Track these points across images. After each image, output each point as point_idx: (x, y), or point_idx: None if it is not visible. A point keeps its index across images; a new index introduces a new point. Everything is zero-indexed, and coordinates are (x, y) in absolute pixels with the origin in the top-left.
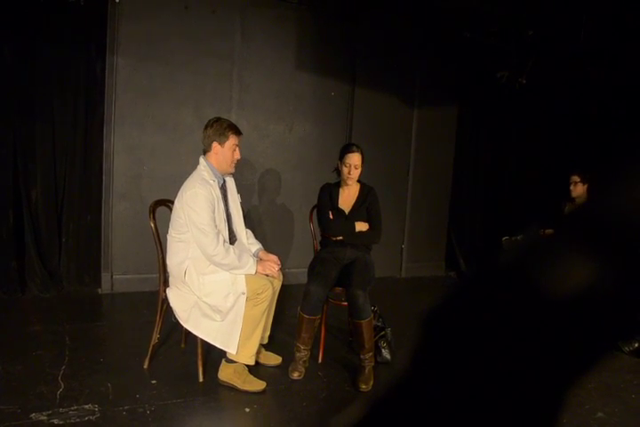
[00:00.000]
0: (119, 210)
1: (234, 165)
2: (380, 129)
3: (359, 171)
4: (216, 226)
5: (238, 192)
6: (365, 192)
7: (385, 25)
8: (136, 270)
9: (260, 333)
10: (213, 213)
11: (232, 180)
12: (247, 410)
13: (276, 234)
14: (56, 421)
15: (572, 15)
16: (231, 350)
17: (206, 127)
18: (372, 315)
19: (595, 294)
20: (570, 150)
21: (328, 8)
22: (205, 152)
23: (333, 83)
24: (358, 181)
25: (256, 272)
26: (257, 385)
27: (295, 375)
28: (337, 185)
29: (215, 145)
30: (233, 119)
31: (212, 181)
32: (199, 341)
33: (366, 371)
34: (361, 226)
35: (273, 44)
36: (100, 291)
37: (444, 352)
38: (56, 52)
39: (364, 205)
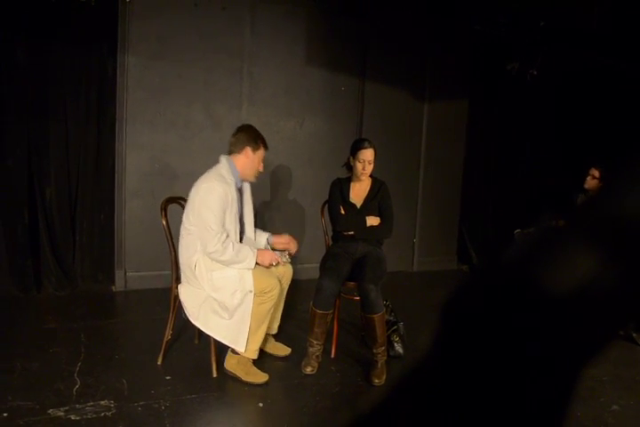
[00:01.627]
0: (131, 208)
1: (256, 175)
2: (390, 123)
3: (372, 166)
4: (224, 225)
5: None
6: (377, 187)
7: (395, 19)
8: (149, 268)
9: (265, 329)
10: (224, 212)
11: (249, 188)
12: (260, 405)
13: (288, 229)
14: (73, 416)
15: (584, 5)
16: (239, 348)
17: (240, 130)
18: (385, 309)
19: (603, 285)
20: (582, 142)
21: (337, 3)
22: (231, 153)
23: (343, 78)
24: (370, 175)
25: (256, 265)
26: (260, 377)
27: (308, 370)
28: (348, 180)
29: (248, 150)
30: (243, 116)
31: (229, 180)
32: (212, 337)
33: (379, 365)
34: (372, 220)
35: (283, 40)
36: (113, 288)
37: (455, 346)
38: (68, 51)
39: (376, 200)
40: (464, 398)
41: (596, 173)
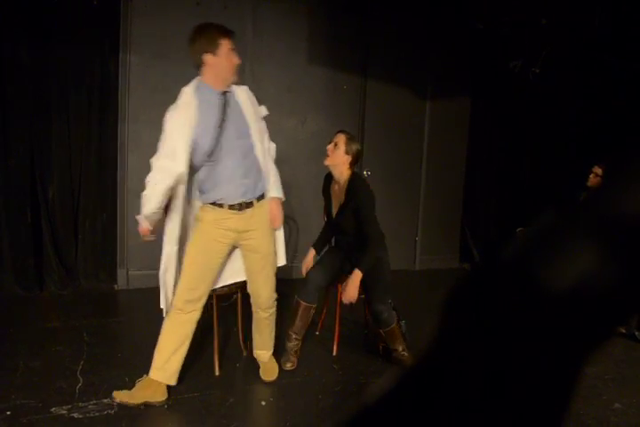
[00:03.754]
0: (133, 206)
1: (234, 71)
2: (392, 122)
3: (340, 153)
4: (174, 152)
5: None
6: (350, 187)
7: (396, 17)
8: (151, 266)
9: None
10: (173, 136)
11: (244, 90)
12: (263, 403)
13: (290, 229)
14: (76, 415)
15: (586, 2)
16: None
17: (192, 40)
18: (396, 318)
19: (603, 282)
20: (586, 140)
21: (339, 1)
22: (198, 69)
23: (345, 76)
24: (353, 173)
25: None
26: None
27: (288, 366)
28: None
29: (208, 57)
30: None
31: (186, 100)
32: (215, 335)
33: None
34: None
35: (285, 39)
36: (116, 287)
37: (455, 345)
38: (70, 51)
39: (350, 206)
40: (465, 397)
41: (599, 171)
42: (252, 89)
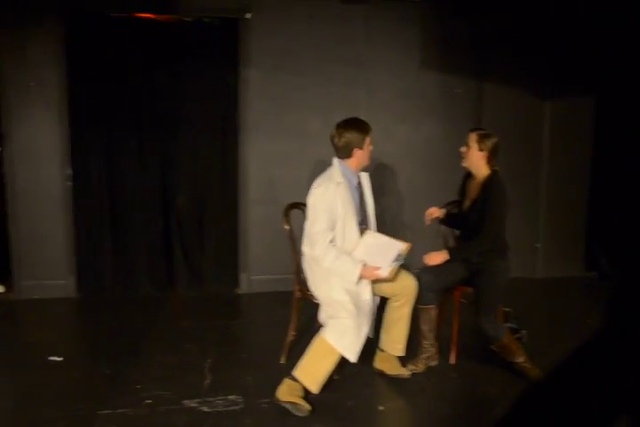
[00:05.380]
0: (254, 214)
1: (370, 157)
2: (509, 125)
3: (474, 152)
4: (332, 228)
5: None
6: (486, 184)
7: (510, 17)
8: (272, 271)
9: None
10: (330, 213)
11: (367, 177)
12: (381, 408)
13: (404, 235)
14: (205, 408)
15: None
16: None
17: (340, 135)
18: (505, 332)
19: None
20: None
21: (451, 3)
22: (341, 158)
23: (459, 80)
24: (493, 172)
25: (360, 279)
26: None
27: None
28: (467, 177)
29: (356, 151)
30: None
31: (339, 180)
32: None
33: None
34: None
35: (397, 45)
36: (238, 291)
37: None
38: (195, 68)
39: (481, 202)
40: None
41: None
42: (365, 96)
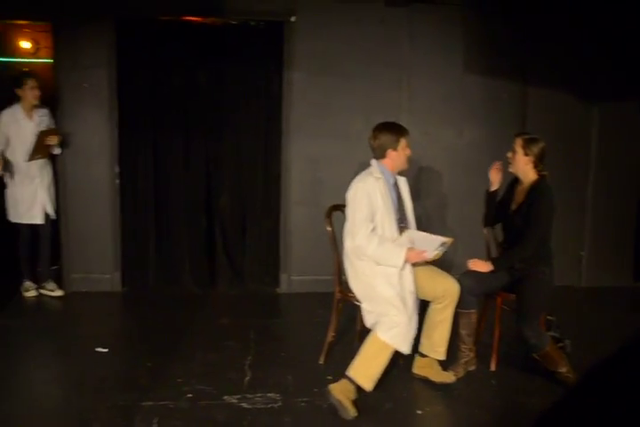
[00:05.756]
0: (296, 215)
1: (407, 162)
2: (555, 129)
3: (520, 157)
4: (372, 220)
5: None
6: (533, 189)
7: (557, 19)
8: (312, 272)
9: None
10: (371, 206)
11: (405, 182)
12: (419, 412)
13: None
14: (244, 405)
15: None
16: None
17: (375, 137)
18: (549, 340)
19: None
20: None
21: (495, 6)
22: (376, 158)
23: (504, 84)
24: (541, 177)
25: (405, 261)
26: (352, 412)
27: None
28: (514, 181)
29: (390, 152)
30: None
31: (377, 175)
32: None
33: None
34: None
35: (440, 48)
36: (278, 290)
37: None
38: (239, 71)
39: (526, 206)
40: None
41: None
42: (407, 100)
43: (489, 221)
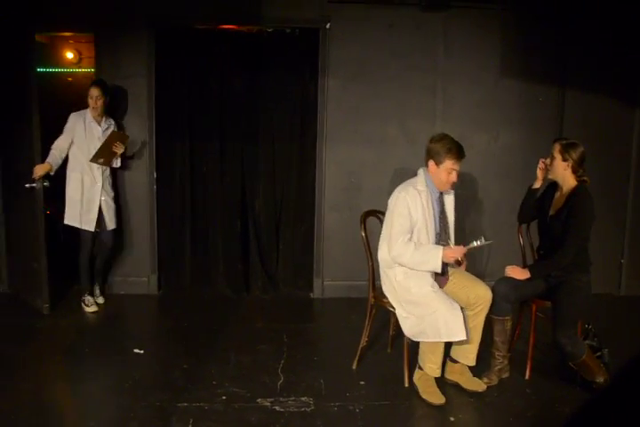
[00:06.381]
0: (330, 220)
1: (448, 185)
2: (594, 133)
3: (558, 163)
4: (411, 231)
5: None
6: (573, 195)
7: (595, 23)
8: (345, 277)
9: (442, 349)
10: (410, 216)
11: (451, 196)
12: (452, 419)
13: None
14: (277, 408)
15: None
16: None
17: (432, 140)
18: (585, 349)
19: None
20: None
21: (532, 10)
22: (425, 163)
23: (540, 88)
24: (581, 183)
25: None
26: (435, 398)
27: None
28: (554, 186)
29: (431, 163)
30: (437, 131)
31: (420, 188)
32: (405, 347)
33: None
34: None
35: (475, 54)
36: (311, 295)
37: None
38: (274, 77)
39: (566, 211)
40: None
41: None
42: (442, 105)
43: (524, 217)
